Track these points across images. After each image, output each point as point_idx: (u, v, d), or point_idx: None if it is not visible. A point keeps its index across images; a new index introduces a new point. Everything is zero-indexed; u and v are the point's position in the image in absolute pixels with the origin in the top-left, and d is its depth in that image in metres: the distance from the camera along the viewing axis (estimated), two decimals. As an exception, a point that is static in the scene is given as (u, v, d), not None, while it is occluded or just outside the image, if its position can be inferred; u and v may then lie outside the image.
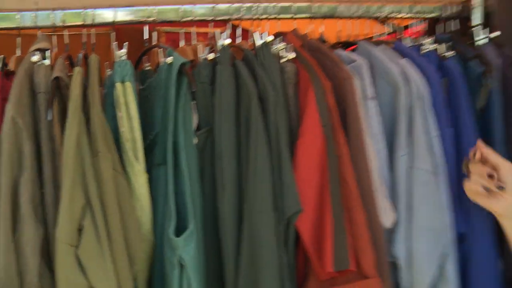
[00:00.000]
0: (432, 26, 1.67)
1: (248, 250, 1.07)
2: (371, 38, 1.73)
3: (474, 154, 1.11)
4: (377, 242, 1.14)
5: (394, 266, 1.22)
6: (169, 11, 1.35)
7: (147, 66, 1.39)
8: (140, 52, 1.36)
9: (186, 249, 1.03)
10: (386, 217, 1.16)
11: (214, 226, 1.12)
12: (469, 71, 1.35)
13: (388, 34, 1.80)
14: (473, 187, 1.08)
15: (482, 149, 1.09)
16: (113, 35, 1.33)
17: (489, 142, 1.35)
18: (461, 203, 1.25)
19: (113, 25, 1.35)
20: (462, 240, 1.26)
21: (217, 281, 1.13)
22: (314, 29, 1.51)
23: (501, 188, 1.05)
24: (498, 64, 1.36)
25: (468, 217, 1.24)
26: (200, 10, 1.38)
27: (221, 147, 1.10)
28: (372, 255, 1.11)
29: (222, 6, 1.39)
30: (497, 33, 1.45)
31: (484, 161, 1.10)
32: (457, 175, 1.25)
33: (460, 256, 1.25)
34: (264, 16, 1.43)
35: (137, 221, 1.11)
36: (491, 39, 1.45)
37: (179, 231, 1.05)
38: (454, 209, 1.24)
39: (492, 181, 1.06)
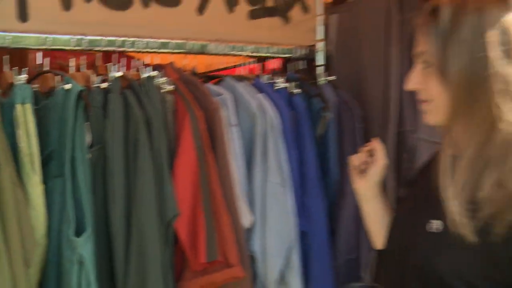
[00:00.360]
0: (285, 64, 2.06)
1: (136, 248, 1.33)
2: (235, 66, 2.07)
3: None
4: (239, 239, 1.46)
5: (252, 258, 1.55)
6: (64, 40, 1.54)
7: (35, 88, 1.55)
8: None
9: (85, 248, 1.25)
10: (245, 219, 1.49)
11: (104, 231, 1.35)
12: (311, 106, 1.75)
13: (250, 64, 2.16)
14: (353, 161, 1.41)
15: (377, 145, 1.41)
16: (6, 58, 1.49)
17: (326, 161, 1.75)
18: (304, 209, 1.62)
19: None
20: (304, 237, 1.63)
21: (108, 279, 1.35)
22: (188, 62, 1.81)
23: (364, 172, 1.38)
24: (334, 102, 1.77)
25: (309, 219, 1.62)
26: (90, 42, 1.58)
27: (112, 164, 1.34)
28: (235, 249, 1.43)
29: (110, 39, 1.61)
30: (333, 77, 1.88)
31: (373, 153, 1.42)
32: (300, 187, 1.62)
33: (303, 249, 1.62)
34: (146, 50, 1.68)
35: (32, 228, 1.30)
36: (329, 81, 1.87)
37: (77, 234, 1.27)
38: (298, 213, 1.61)
39: (363, 165, 1.40)
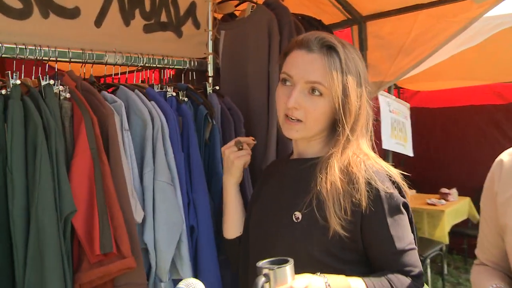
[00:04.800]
0: (180, 74, 2.29)
1: (35, 241, 1.48)
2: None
3: None
4: (131, 232, 1.64)
5: (146, 251, 1.74)
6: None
7: None
8: None
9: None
10: (137, 215, 1.69)
11: (5, 227, 1.50)
12: (198, 113, 1.99)
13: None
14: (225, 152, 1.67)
15: (249, 140, 1.71)
16: None
17: (213, 162, 2.00)
18: (192, 205, 1.85)
19: None
20: (193, 230, 1.86)
21: (8, 273, 1.50)
22: (87, 70, 1.98)
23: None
24: (218, 109, 2.03)
25: (196, 215, 1.85)
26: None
27: (12, 163, 1.50)
28: (128, 242, 1.61)
29: (9, 46, 1.72)
30: (217, 87, 2.14)
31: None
32: (188, 185, 1.85)
33: (193, 242, 1.85)
34: (45, 58, 1.82)
35: None
36: (215, 90, 2.13)
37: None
38: (187, 209, 1.84)
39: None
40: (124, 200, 1.66)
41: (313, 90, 1.42)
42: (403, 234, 1.39)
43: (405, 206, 1.43)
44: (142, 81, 2.23)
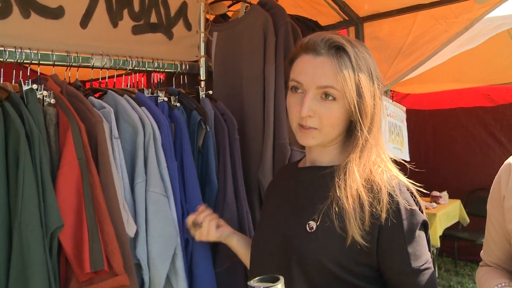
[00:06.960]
0: (170, 78, 2.18)
1: (18, 260, 1.36)
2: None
3: None
4: (123, 247, 1.52)
5: (139, 266, 1.62)
6: None
7: None
8: None
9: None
10: (129, 229, 1.57)
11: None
12: (191, 119, 1.87)
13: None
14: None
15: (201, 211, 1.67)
16: None
17: (206, 170, 1.89)
18: (187, 216, 1.74)
19: None
20: (188, 243, 1.74)
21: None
22: (71, 74, 1.86)
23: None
24: (212, 114, 1.92)
25: (191, 227, 1.74)
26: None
27: (-9, 176, 1.37)
28: (120, 258, 1.49)
29: None
30: (210, 91, 2.03)
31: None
32: (182, 196, 1.74)
33: (187, 256, 1.73)
34: (27, 61, 1.70)
35: None
36: (208, 95, 2.02)
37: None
38: (182, 221, 1.72)
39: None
40: (115, 213, 1.53)
41: (326, 95, 1.34)
42: (420, 253, 1.31)
43: (425, 224, 1.35)
44: (132, 86, 2.11)
